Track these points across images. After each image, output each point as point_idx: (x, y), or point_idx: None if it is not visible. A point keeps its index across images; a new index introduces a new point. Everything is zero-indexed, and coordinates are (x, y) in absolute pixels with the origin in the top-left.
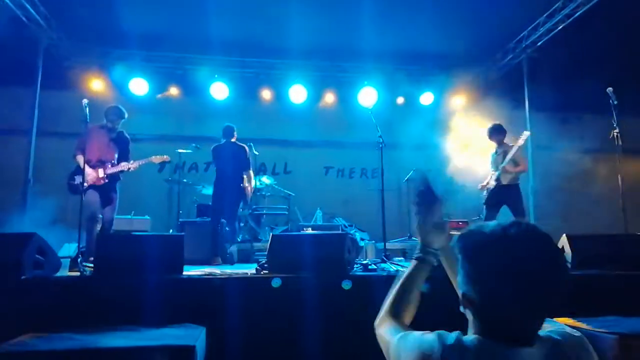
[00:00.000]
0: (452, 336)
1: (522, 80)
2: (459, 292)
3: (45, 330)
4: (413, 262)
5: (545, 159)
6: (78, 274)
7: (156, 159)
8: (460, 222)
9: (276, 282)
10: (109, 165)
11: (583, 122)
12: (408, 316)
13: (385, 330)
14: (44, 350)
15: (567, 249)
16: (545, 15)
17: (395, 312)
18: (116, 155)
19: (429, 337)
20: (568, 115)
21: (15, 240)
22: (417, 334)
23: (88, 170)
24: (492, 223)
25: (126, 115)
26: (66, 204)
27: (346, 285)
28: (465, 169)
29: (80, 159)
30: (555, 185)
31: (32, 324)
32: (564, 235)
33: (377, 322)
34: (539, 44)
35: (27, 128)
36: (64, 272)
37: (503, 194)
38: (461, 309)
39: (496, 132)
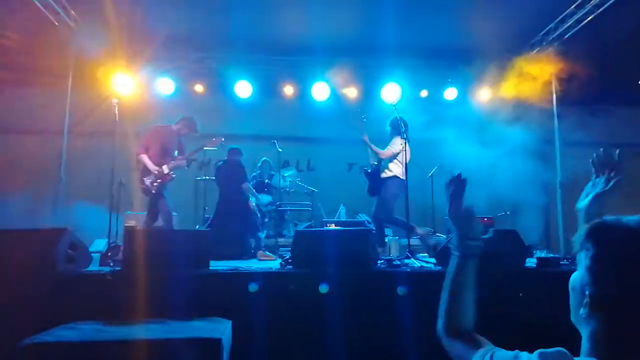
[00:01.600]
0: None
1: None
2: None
3: (76, 321)
4: (456, 260)
5: (573, 153)
6: (108, 268)
7: (210, 144)
8: (486, 218)
9: (323, 288)
10: (170, 161)
11: (613, 116)
12: (471, 319)
13: (459, 345)
14: (76, 341)
15: None
16: (574, 5)
17: (459, 323)
18: (176, 153)
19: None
20: (597, 108)
21: (49, 235)
22: (507, 355)
23: (154, 168)
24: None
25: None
26: (96, 200)
27: (401, 291)
28: (489, 164)
29: (143, 157)
30: (583, 181)
31: (64, 316)
32: None
33: (441, 330)
34: (566, 35)
35: (59, 127)
36: (95, 266)
37: None
38: (579, 315)
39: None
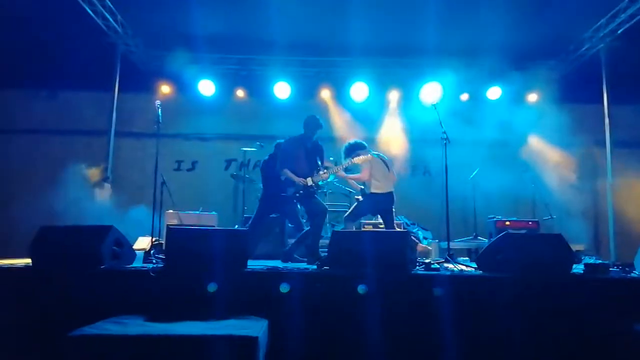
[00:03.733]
0: None
1: (599, 72)
2: None
3: (120, 316)
4: None
5: (626, 156)
6: (151, 265)
7: (358, 160)
8: (530, 221)
9: (362, 289)
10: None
11: None
12: None
13: None
14: (119, 335)
15: None
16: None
17: None
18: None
19: None
20: None
21: (95, 232)
22: None
23: (299, 179)
24: None
25: (322, 126)
26: (140, 199)
27: (437, 292)
28: (534, 166)
29: (286, 172)
30: (634, 184)
31: (108, 310)
32: None
33: None
34: (619, 31)
35: (106, 129)
36: (139, 262)
37: None
38: None
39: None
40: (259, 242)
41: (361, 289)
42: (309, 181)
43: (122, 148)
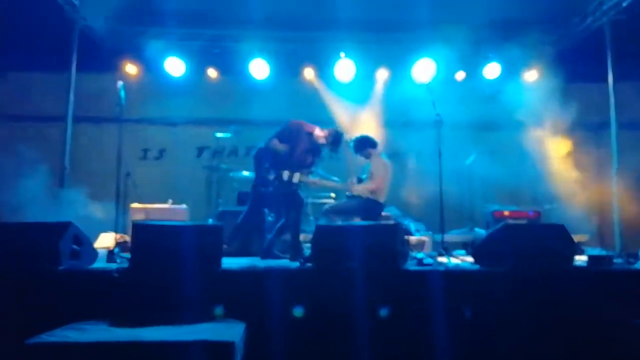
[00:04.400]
0: None
1: (603, 47)
2: None
3: (81, 321)
4: None
5: (632, 137)
6: (115, 265)
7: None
8: (531, 211)
9: (298, 312)
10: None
11: None
12: None
13: None
14: (80, 342)
15: None
16: None
17: None
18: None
19: None
20: None
21: (52, 229)
22: None
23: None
24: None
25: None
26: (102, 193)
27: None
28: (534, 151)
29: (276, 144)
30: None
31: (68, 316)
32: None
33: None
34: (624, 4)
35: (63, 114)
36: (101, 263)
37: None
38: None
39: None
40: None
41: (297, 311)
42: (297, 177)
43: (81, 135)
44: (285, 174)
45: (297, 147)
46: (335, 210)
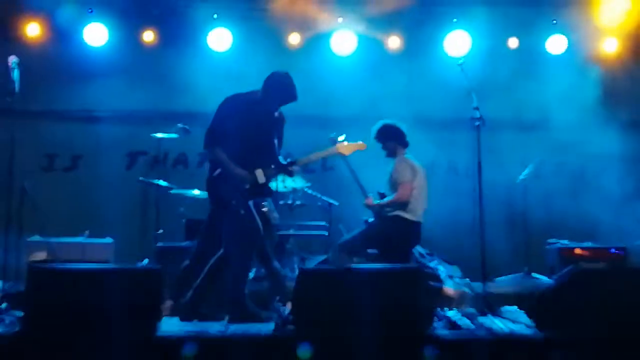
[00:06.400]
0: None
1: None
2: None
3: None
4: None
5: None
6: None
7: (344, 149)
8: (615, 249)
9: (304, 352)
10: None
11: None
12: None
13: None
14: None
15: None
16: None
17: None
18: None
19: None
20: None
21: None
22: None
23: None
24: None
25: (296, 97)
26: None
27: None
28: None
29: (219, 154)
30: None
31: None
32: None
33: None
34: None
35: None
36: None
37: None
38: None
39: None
40: None
41: (303, 352)
42: (260, 176)
43: None
44: (260, 175)
45: (246, 132)
46: (348, 246)
